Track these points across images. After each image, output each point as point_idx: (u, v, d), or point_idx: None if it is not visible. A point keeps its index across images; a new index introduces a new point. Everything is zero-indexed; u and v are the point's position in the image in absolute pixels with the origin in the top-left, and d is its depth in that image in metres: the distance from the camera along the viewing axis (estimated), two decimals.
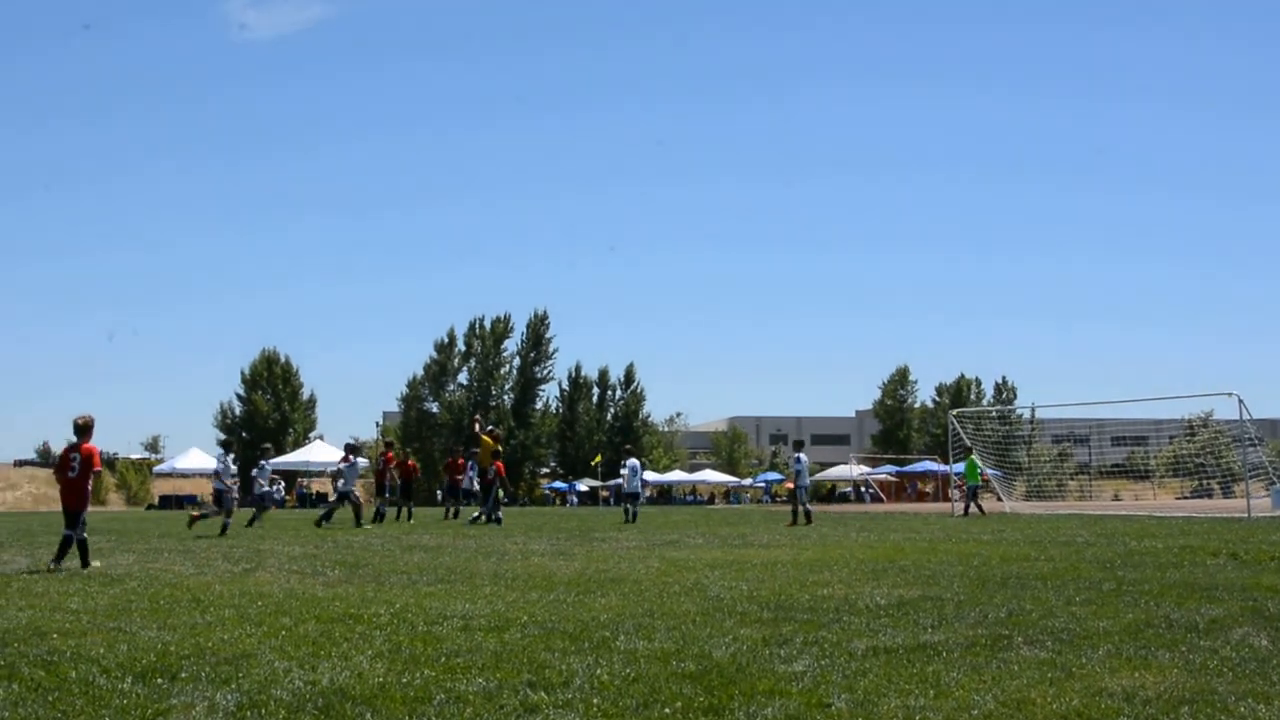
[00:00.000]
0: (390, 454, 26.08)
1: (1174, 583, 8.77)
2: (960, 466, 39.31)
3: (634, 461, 26.00)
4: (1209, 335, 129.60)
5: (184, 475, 59.78)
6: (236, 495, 20.09)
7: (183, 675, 5.13)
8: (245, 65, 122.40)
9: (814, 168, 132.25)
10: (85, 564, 11.36)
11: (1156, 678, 4.89)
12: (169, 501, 53.22)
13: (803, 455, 22.89)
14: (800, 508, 22.05)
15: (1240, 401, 25.93)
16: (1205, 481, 52.02)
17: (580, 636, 6.15)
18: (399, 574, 10.20)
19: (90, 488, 11.63)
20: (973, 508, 27.89)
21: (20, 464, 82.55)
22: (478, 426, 24.47)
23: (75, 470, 11.43)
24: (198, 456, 59.45)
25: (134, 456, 76.42)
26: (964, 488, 29.41)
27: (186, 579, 9.82)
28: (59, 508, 11.83)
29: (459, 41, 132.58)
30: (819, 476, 77.73)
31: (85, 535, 11.51)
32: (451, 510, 26.88)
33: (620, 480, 26.70)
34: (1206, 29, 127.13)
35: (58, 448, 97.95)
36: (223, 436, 67.91)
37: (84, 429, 11.51)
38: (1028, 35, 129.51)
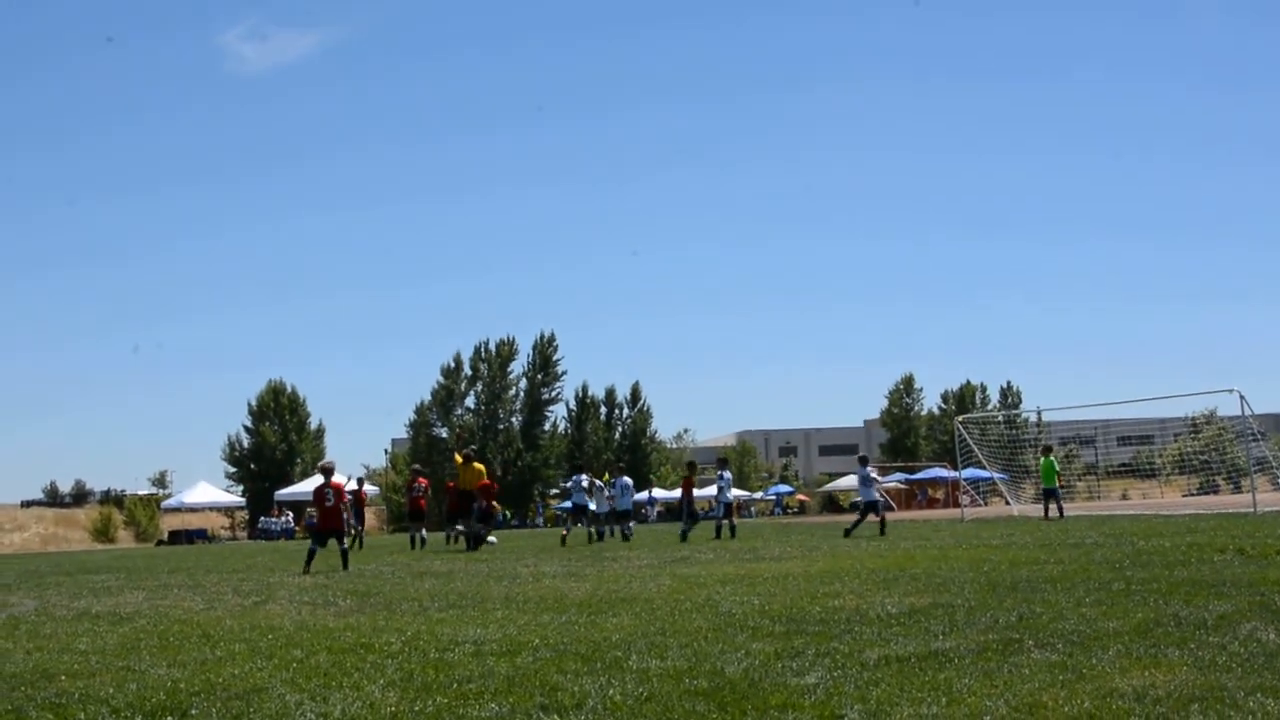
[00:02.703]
0: (423, 478, 25.78)
1: (1182, 580, 8.77)
2: (969, 473, 39.42)
3: (578, 477, 26.32)
4: (1211, 331, 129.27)
5: (193, 510, 59.52)
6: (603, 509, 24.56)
7: (193, 712, 5.14)
8: (247, 89, 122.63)
9: (817, 182, 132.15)
10: (345, 567, 14.78)
11: (1166, 676, 4.90)
12: (178, 537, 52.88)
13: (724, 471, 23.48)
14: (717, 521, 22.62)
15: (1242, 397, 25.88)
16: (1211, 478, 51.87)
17: (592, 657, 6.16)
18: (410, 601, 10.21)
19: (344, 511, 15.66)
20: (1052, 510, 27.07)
21: (27, 504, 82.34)
22: (458, 456, 23.93)
23: (330, 501, 15.07)
24: (206, 491, 59.28)
25: (141, 492, 76.11)
26: (1039, 489, 28.82)
27: (196, 614, 9.83)
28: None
29: (458, 54, 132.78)
30: (829, 486, 77.79)
31: (346, 547, 15.26)
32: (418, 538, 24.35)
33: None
34: (1227, 17, 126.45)
35: (65, 487, 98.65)
36: (231, 469, 67.98)
37: (329, 470, 15.40)
38: (1039, 26, 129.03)
